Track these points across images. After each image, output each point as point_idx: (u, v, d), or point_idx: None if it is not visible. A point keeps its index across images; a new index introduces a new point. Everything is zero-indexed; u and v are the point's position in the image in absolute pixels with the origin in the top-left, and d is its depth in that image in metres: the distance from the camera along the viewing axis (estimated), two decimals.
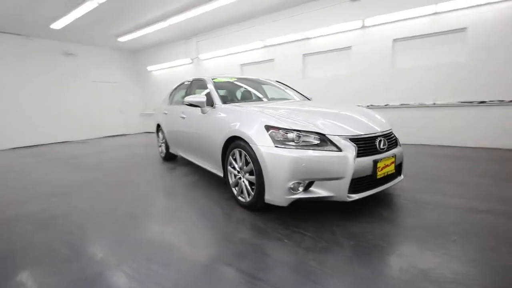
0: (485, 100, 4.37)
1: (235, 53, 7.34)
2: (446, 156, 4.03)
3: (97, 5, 5.41)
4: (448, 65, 4.65)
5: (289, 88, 3.79)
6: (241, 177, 2.30)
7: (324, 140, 1.91)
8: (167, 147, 4.32)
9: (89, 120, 8.87)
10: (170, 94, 4.50)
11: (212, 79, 3.30)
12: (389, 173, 2.12)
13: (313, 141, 1.91)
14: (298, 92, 3.74)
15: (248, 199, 2.22)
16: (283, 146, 1.90)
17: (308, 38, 6.03)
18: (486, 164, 3.44)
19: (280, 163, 1.87)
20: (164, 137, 4.35)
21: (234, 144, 2.31)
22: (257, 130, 2.06)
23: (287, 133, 1.94)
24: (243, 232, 1.88)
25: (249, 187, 2.20)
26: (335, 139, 1.91)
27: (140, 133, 10.29)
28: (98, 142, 7.93)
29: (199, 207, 2.41)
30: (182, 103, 3.72)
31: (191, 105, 2.91)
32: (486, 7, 4.20)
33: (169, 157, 4.47)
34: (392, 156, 2.13)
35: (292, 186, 1.86)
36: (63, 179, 3.62)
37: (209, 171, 2.95)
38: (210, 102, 2.90)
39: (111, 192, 2.93)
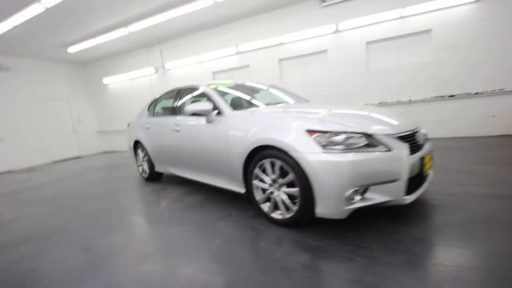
0: (454, 94, 4.80)
1: (206, 60, 6.98)
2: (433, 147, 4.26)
3: (43, 9, 4.60)
4: (417, 64, 5.01)
5: (284, 91, 3.60)
6: (274, 191, 2.01)
7: (372, 141, 1.75)
8: (151, 166, 3.77)
9: (34, 144, 7.52)
10: (150, 106, 3.96)
11: (208, 85, 2.95)
12: (429, 169, 2.05)
13: (361, 142, 1.73)
14: (295, 94, 3.59)
15: (287, 215, 1.94)
16: (333, 151, 1.68)
17: (283, 43, 6.00)
18: (473, 152, 3.71)
19: (334, 171, 1.64)
20: (146, 155, 3.79)
21: (262, 154, 2.01)
22: (296, 135, 1.81)
23: (334, 136, 1.73)
24: (301, 256, 1.59)
25: (288, 202, 1.92)
26: (383, 139, 1.76)
27: (99, 153, 9.12)
28: (49, 168, 6.73)
29: (223, 232, 2.03)
30: (173, 113, 3.29)
31: (194, 114, 2.52)
32: (446, 10, 4.64)
33: (154, 177, 3.90)
34: (431, 152, 2.08)
35: (349, 195, 1.65)
36: (14, 221, 2.85)
37: (219, 188, 2.58)
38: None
39: (92, 234, 2.34)
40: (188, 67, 7.30)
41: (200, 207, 2.63)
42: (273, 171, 1.97)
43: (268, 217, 2.09)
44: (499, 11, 4.34)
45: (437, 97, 4.92)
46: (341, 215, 1.69)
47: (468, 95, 4.71)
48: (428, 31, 4.86)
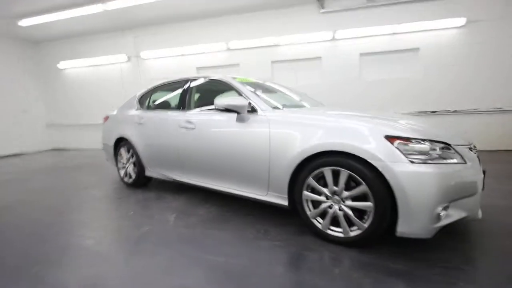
0: (436, 110, 5.18)
1: (190, 54, 6.42)
2: None
3: None
4: (405, 80, 5.30)
5: (297, 93, 3.37)
6: (333, 204, 1.73)
7: (451, 151, 1.61)
8: (140, 169, 3.16)
9: None
10: (142, 97, 3.36)
11: (232, 78, 2.56)
12: None
13: (439, 153, 1.57)
14: (311, 98, 3.39)
15: (352, 233, 1.68)
16: (419, 161, 1.49)
17: (277, 45, 5.83)
18: None
19: (426, 184, 1.44)
20: (134, 155, 3.17)
21: (322, 161, 1.73)
22: (376, 141, 1.57)
23: (417, 144, 1.54)
24: (396, 285, 1.33)
25: (354, 217, 1.66)
26: (460, 150, 1.64)
27: (46, 150, 7.69)
28: None
29: (274, 255, 1.67)
30: (181, 107, 2.79)
31: (227, 110, 2.13)
32: (433, 32, 5.00)
33: (140, 183, 3.29)
34: None
35: (439, 211, 1.47)
36: None
37: (244, 198, 2.20)
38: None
39: (90, 266, 1.77)
40: (168, 59, 6.63)
41: (222, 222, 2.21)
42: (339, 182, 1.70)
43: (321, 234, 1.81)
44: (480, 37, 4.81)
45: (421, 112, 5.25)
46: (428, 234, 1.49)
47: (447, 112, 5.12)
48: (416, 49, 5.17)
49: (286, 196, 1.95)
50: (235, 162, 2.21)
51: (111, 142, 3.50)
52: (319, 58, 5.69)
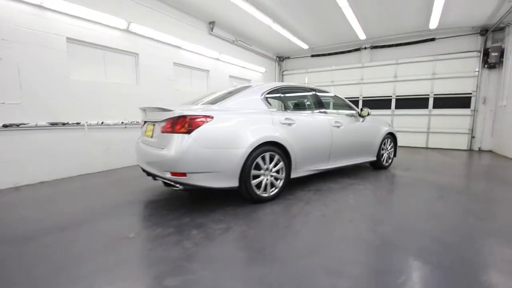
0: None
1: (59, 12, 3.68)
2: None
3: None
4: None
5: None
6: (385, 152, 4.51)
7: None
8: (287, 174, 2.96)
9: None
10: (268, 95, 2.97)
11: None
12: None
13: None
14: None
15: (386, 164, 4.59)
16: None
17: (179, 47, 5.62)
18: None
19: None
20: (283, 160, 2.87)
21: (389, 134, 4.40)
22: (390, 127, 4.62)
23: None
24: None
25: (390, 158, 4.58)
26: None
27: None
28: None
29: (400, 185, 4.08)
30: (321, 109, 3.51)
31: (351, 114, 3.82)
32: (255, 72, 8.36)
33: (280, 193, 2.97)
34: None
35: None
36: None
37: (355, 166, 4.02)
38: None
39: None
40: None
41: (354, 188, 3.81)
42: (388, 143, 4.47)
43: (384, 168, 4.44)
44: (268, 79, 8.99)
45: None
46: None
47: None
48: (249, 80, 8.20)
49: (376, 155, 4.25)
50: (363, 143, 3.92)
51: (240, 152, 2.50)
52: (207, 71, 6.52)
